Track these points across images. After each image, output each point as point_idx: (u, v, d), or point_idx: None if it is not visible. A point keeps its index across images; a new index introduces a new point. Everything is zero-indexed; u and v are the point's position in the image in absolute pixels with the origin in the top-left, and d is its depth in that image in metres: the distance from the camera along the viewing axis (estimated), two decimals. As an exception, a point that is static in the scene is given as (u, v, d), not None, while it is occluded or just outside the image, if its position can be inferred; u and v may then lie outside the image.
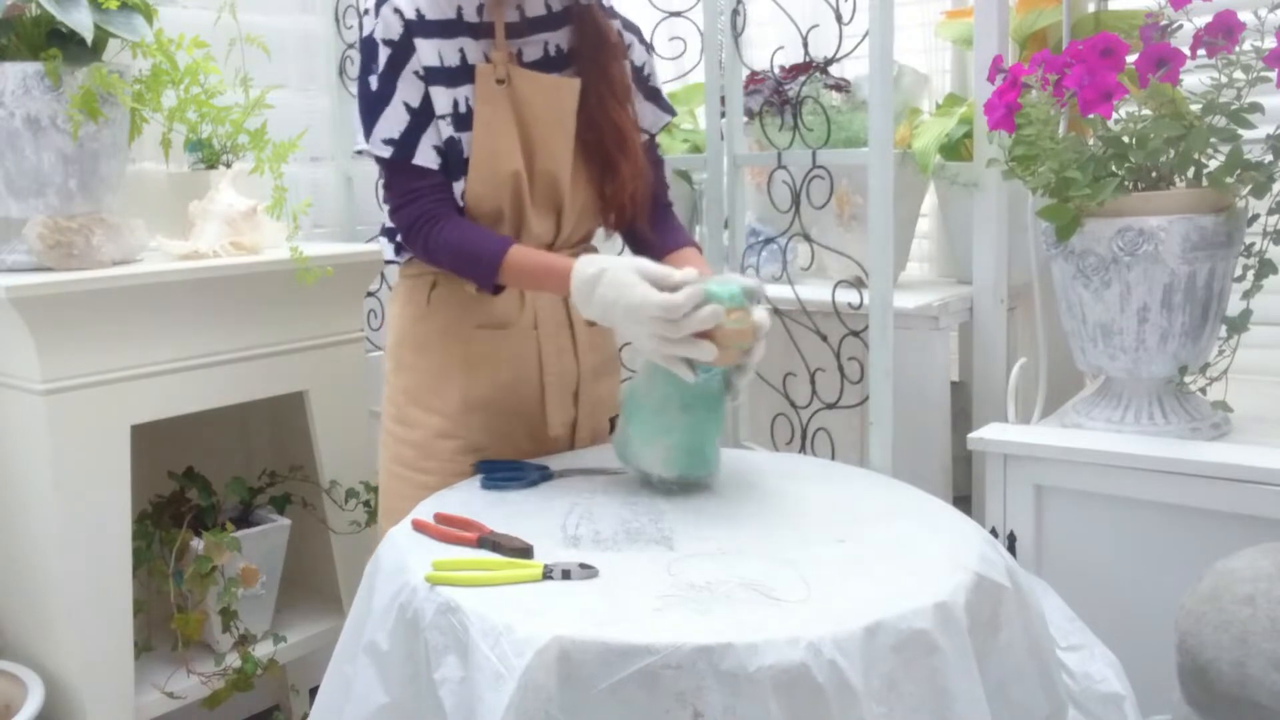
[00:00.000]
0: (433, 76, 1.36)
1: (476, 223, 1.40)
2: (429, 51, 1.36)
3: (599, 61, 1.47)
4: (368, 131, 1.37)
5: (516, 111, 1.40)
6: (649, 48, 1.58)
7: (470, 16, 1.40)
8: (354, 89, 1.45)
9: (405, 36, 1.35)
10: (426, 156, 1.37)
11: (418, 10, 1.36)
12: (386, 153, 1.36)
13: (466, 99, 1.38)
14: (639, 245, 1.52)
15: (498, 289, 1.40)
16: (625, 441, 1.35)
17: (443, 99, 1.37)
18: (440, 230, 1.37)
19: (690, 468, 1.32)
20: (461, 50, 1.38)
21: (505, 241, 1.37)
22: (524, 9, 1.44)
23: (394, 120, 1.35)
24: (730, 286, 1.22)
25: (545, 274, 1.34)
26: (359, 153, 1.41)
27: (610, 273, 1.26)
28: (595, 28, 1.48)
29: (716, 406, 1.31)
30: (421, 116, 1.36)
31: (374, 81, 1.36)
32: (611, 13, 1.53)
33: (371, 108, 1.36)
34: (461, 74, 1.38)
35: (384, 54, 1.35)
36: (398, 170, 1.38)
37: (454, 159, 1.38)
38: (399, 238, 1.44)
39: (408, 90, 1.35)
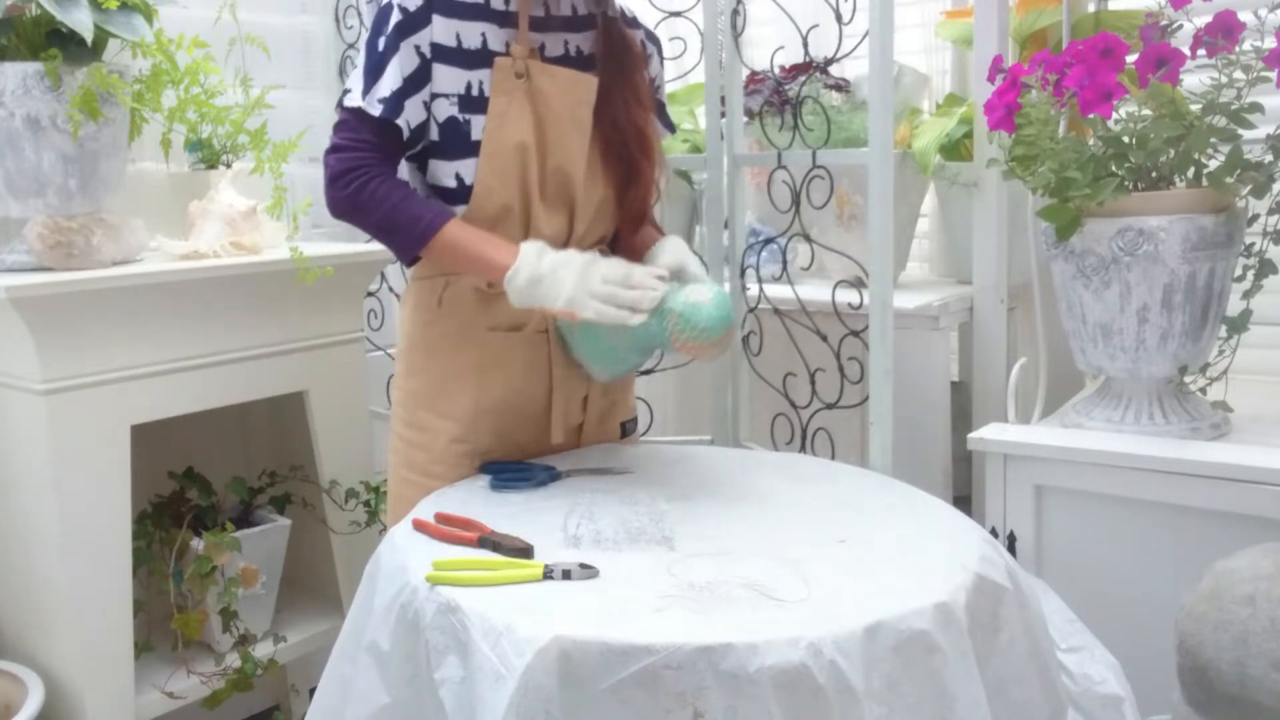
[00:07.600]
0: (446, 55, 1.37)
1: (484, 212, 1.40)
2: (446, 30, 1.37)
3: (624, 67, 1.48)
4: (366, 89, 1.37)
5: (533, 105, 1.40)
6: (663, 61, 1.60)
7: (497, 4, 1.41)
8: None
9: (423, 10, 1.36)
10: (404, 124, 1.37)
11: None
12: (378, 110, 1.35)
13: (481, 83, 1.39)
14: (615, 248, 1.53)
15: (415, 259, 1.42)
16: (575, 341, 1.45)
17: (454, 79, 1.37)
18: (382, 184, 1.37)
19: (625, 375, 1.51)
20: (484, 35, 1.39)
21: (448, 211, 1.38)
22: (549, 5, 1.45)
23: (389, 83, 1.36)
24: (701, 313, 1.28)
25: (486, 242, 1.36)
26: (340, 107, 1.40)
27: (569, 252, 1.35)
28: (620, 35, 1.49)
29: (662, 340, 1.35)
30: (409, 86, 1.36)
31: (381, 43, 1.37)
32: (635, 23, 1.55)
33: (374, 67, 1.37)
34: (480, 58, 1.39)
35: (395, 18, 1.36)
36: (363, 120, 1.37)
37: (455, 139, 1.39)
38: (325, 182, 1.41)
39: (405, 59, 1.36)
